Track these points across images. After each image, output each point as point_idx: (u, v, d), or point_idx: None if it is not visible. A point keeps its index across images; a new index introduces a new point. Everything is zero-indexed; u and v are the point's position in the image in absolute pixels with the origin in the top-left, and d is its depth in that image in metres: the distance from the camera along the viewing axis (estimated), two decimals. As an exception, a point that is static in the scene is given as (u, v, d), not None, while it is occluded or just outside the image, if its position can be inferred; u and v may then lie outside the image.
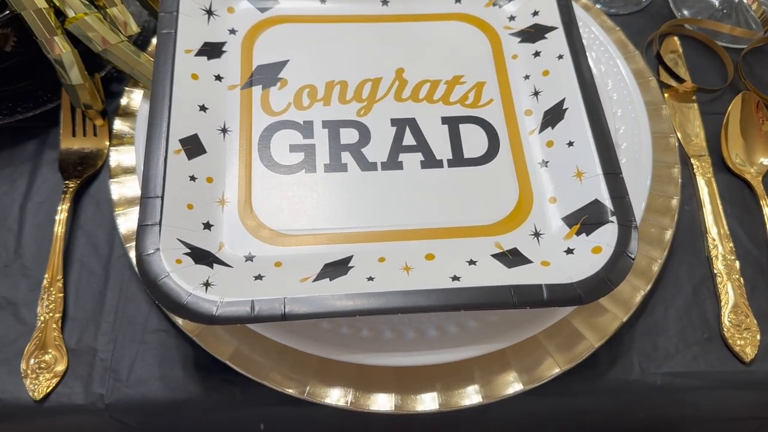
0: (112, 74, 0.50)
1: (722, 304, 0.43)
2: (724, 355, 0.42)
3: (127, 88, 0.49)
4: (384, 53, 0.45)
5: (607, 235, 0.37)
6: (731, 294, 0.43)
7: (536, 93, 0.44)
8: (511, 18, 0.47)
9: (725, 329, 0.42)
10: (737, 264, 0.44)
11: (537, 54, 0.45)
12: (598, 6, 0.55)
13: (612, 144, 0.40)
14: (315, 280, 0.36)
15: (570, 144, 0.41)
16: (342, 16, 0.47)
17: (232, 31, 0.45)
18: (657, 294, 0.43)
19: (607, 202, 0.38)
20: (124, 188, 0.45)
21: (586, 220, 0.38)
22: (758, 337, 0.42)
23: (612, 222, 0.37)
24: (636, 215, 0.42)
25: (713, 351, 0.42)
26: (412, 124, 0.43)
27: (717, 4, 0.55)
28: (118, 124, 0.47)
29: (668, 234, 0.43)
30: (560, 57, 0.43)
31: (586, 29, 0.48)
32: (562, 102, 0.42)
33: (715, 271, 0.44)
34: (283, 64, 0.44)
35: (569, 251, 0.38)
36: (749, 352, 0.41)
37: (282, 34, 0.46)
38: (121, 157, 0.46)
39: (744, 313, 0.42)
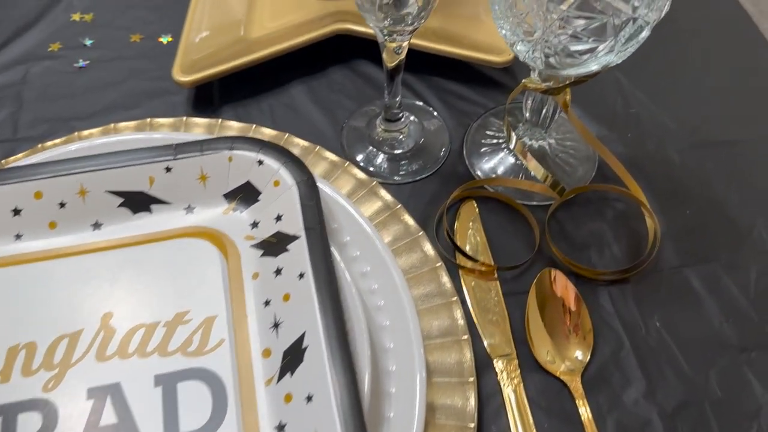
0: None
1: None
2: None
3: None
4: (90, 296, 0.36)
5: None
6: None
7: (276, 325, 0.35)
8: (254, 225, 0.39)
9: None
10: (557, 504, 0.35)
11: (278, 272, 0.37)
12: (396, 177, 0.48)
13: (356, 395, 0.31)
14: None
15: (309, 399, 0.32)
16: (42, 253, 0.38)
17: None
18: None
19: (348, 488, 0.29)
20: None
21: None
22: None
23: None
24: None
25: None
26: (116, 391, 0.33)
27: (513, 159, 0.48)
28: None
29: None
30: (301, 276, 0.35)
31: (350, 219, 0.40)
32: (302, 337, 0.34)
33: None
34: (-49, 333, 0.35)
35: None
36: None
37: (-41, 288, 0.37)
38: None
39: None
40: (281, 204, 0.39)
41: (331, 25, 0.53)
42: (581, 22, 0.33)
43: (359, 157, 0.49)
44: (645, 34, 0.36)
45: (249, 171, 0.40)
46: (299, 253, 0.36)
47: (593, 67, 0.37)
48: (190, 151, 0.40)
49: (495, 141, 0.49)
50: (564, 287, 0.41)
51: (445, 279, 0.41)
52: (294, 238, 0.37)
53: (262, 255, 0.38)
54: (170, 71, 0.50)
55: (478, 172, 0.48)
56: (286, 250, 0.37)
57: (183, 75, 0.49)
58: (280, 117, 0.51)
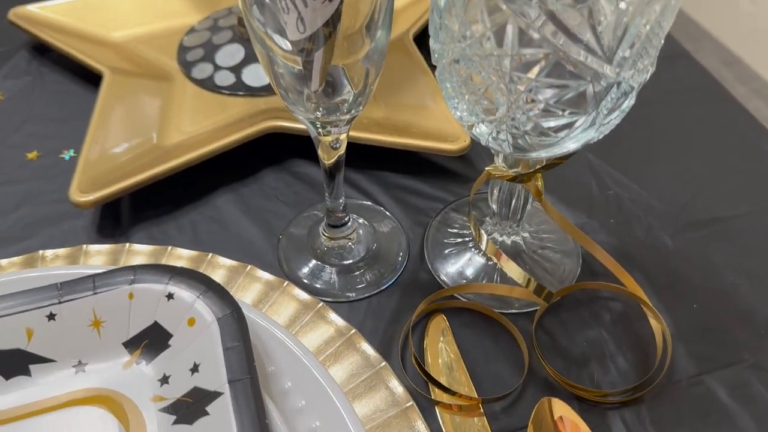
0: None
1: None
2: None
3: None
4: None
5: None
6: None
7: None
8: (164, 380, 0.30)
9: None
10: None
11: (196, 445, 0.28)
12: (348, 294, 0.40)
13: None
14: None
15: None
16: None
17: None
18: None
19: None
20: None
21: None
22: None
23: None
24: None
25: None
26: None
27: (484, 259, 0.41)
28: None
29: None
30: (225, 450, 0.26)
31: (291, 357, 0.32)
32: None
33: None
34: None
35: None
36: None
37: None
38: None
39: None
40: (198, 349, 0.30)
41: (260, 124, 0.46)
42: (554, 91, 0.27)
43: (302, 273, 0.41)
44: (630, 102, 0.29)
45: (156, 309, 0.31)
46: (222, 418, 0.27)
47: (571, 145, 0.30)
48: (79, 291, 0.31)
49: (460, 239, 0.42)
50: (571, 423, 0.32)
51: (419, 424, 0.32)
52: (215, 395, 0.28)
53: (175, 422, 0.29)
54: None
55: (444, 278, 0.40)
56: (206, 414, 0.28)
57: (82, 194, 0.41)
58: (204, 234, 0.43)
